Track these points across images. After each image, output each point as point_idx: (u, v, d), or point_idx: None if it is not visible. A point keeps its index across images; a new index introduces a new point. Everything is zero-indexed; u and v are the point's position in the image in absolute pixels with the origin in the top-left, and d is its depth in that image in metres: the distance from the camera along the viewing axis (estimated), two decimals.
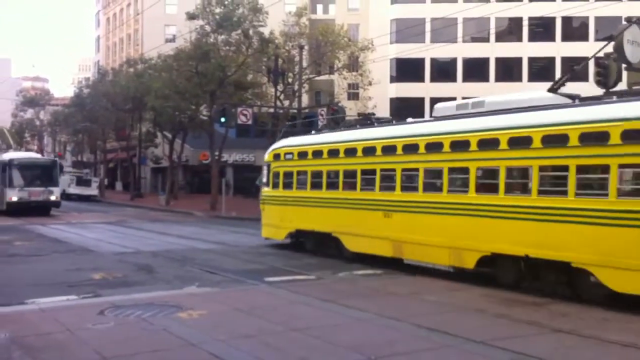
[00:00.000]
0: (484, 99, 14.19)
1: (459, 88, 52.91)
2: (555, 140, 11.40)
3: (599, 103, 11.65)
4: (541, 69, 54.02)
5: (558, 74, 54.44)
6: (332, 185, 17.28)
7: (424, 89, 52.82)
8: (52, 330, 8.89)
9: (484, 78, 53.96)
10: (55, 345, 8.15)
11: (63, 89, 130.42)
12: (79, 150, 73.48)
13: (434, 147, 13.92)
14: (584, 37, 51.84)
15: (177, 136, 50.21)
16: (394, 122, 17.38)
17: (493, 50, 54.10)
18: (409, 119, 16.49)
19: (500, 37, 54.41)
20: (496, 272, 12.77)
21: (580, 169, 11.06)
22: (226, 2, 40.36)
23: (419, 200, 14.22)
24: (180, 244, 20.42)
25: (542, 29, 53.24)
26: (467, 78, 54.56)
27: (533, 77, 54.40)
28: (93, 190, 53.20)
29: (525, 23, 52.54)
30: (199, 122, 45.24)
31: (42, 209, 33.57)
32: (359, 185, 16.20)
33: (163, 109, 43.14)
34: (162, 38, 58.28)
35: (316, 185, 17.82)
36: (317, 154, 17.90)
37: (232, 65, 40.90)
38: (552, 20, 50.87)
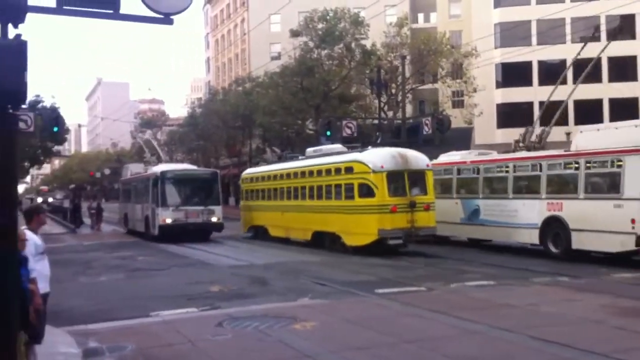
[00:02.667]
0: (322, 147, 26.34)
1: (569, 91, 50.87)
2: (330, 171, 22.42)
3: (345, 152, 23.42)
4: None
5: None
6: (264, 197, 27.80)
7: (532, 93, 51.21)
8: (175, 341, 9.36)
9: (597, 79, 51.55)
10: (178, 356, 8.60)
11: (177, 109, 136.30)
12: None
13: (295, 175, 24.77)
14: None
15: (285, 151, 51.34)
16: (298, 157, 27.40)
17: (605, 50, 51.66)
18: (300, 157, 27.19)
19: (612, 35, 51.84)
20: (321, 241, 22.57)
21: (335, 186, 21.91)
22: (328, 17, 41.07)
23: (292, 204, 24.80)
24: (291, 257, 20.85)
25: None
26: (578, 80, 52.33)
27: None
28: None
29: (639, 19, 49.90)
30: (305, 136, 46.09)
31: (200, 234, 27.68)
32: (272, 197, 26.74)
33: (271, 125, 44.37)
34: (268, 56, 59.86)
35: (258, 197, 28.36)
36: (258, 179, 28.98)
37: (335, 79, 41.53)
38: None
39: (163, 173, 28.28)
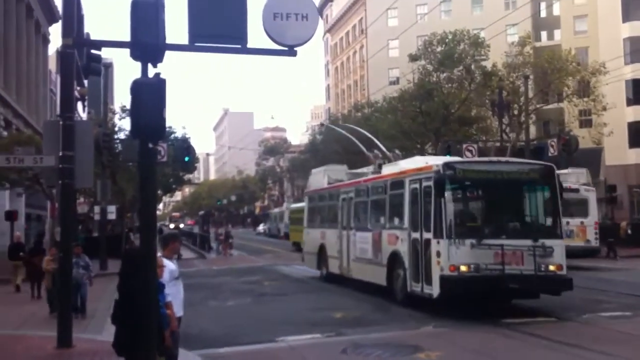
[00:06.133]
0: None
1: None
2: None
3: None
4: None
5: None
6: None
7: None
8: None
9: None
10: None
11: (298, 136, 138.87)
12: None
13: None
14: None
15: None
16: None
17: None
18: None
19: None
20: None
21: None
22: (447, 40, 40.69)
23: None
24: None
25: None
26: None
27: None
28: None
29: None
30: None
31: (522, 295, 14.27)
32: None
33: (390, 150, 44.27)
34: (387, 81, 60.03)
35: None
36: None
37: (455, 101, 40.91)
38: None
39: (451, 166, 14.16)
